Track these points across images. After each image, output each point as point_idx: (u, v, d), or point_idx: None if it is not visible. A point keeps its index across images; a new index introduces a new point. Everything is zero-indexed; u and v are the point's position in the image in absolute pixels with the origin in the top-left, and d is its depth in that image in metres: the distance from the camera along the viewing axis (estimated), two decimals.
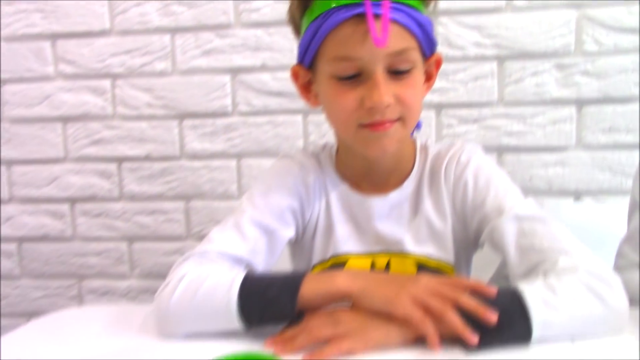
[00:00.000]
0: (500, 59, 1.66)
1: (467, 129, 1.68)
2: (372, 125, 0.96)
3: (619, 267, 1.06)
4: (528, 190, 1.63)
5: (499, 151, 1.68)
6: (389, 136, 0.98)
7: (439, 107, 1.69)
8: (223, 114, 1.79)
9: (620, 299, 0.86)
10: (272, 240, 1.05)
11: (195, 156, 1.83)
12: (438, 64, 1.05)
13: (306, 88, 1.05)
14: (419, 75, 0.99)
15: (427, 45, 0.99)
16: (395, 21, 0.92)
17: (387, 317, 0.84)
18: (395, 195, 1.08)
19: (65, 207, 1.92)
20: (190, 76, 1.80)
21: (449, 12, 1.66)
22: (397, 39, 0.93)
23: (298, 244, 1.13)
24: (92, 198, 1.90)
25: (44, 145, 1.90)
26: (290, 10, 1.03)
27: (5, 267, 1.98)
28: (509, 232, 0.97)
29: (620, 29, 1.60)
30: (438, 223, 1.07)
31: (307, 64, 1.01)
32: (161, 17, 1.79)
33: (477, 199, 1.03)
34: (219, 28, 1.77)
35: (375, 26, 0.89)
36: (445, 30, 1.66)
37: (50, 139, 1.89)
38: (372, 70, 0.93)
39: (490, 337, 0.80)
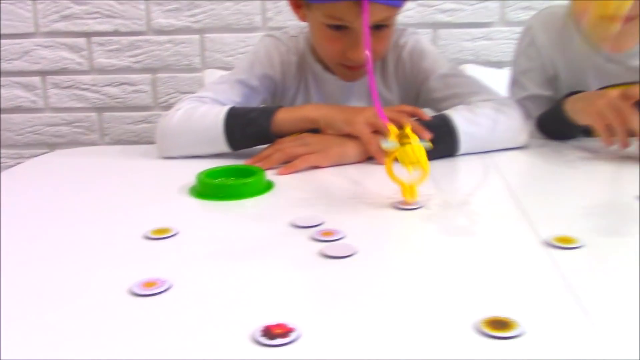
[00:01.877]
0: None
1: (406, 7, 1.89)
2: (348, 67, 1.20)
3: None
4: (458, 61, 1.88)
5: (434, 27, 1.92)
6: (360, 73, 1.21)
7: None
8: None
9: (519, 116, 1.16)
10: (255, 97, 1.27)
11: (161, 31, 1.99)
12: None
13: (297, 4, 1.21)
14: (393, 25, 1.18)
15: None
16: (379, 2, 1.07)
17: (344, 138, 1.08)
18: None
19: (36, 80, 2.07)
20: None
21: None
22: (381, 11, 1.09)
23: None
24: (62, 71, 2.05)
25: (15, 20, 2.02)
26: None
27: None
28: (438, 88, 1.24)
29: None
30: (387, 95, 1.31)
31: None
32: None
33: (413, 71, 1.28)
34: None
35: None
36: None
37: (21, 14, 2.01)
38: (357, 30, 1.10)
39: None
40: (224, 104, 1.19)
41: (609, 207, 0.82)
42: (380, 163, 1.04)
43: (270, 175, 1.00)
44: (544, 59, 1.30)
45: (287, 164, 1.04)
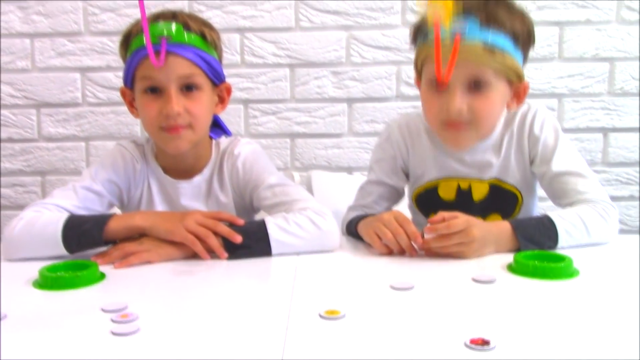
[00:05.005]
0: (292, 66, 2.18)
1: (268, 119, 2.20)
2: (167, 128, 1.32)
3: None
4: (313, 167, 2.18)
5: (292, 137, 2.21)
6: (181, 138, 1.34)
7: (246, 102, 2.20)
8: (74, 104, 2.20)
9: (331, 227, 1.30)
10: (101, 203, 1.42)
11: (50, 139, 2.22)
12: (228, 90, 1.44)
13: (131, 104, 1.40)
14: (205, 94, 1.35)
15: (214, 75, 1.36)
16: (179, 55, 1.29)
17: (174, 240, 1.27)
18: (196, 181, 1.45)
19: None
20: (46, 73, 2.19)
21: (253, 30, 2.17)
22: (183, 67, 1.30)
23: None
24: None
25: None
26: (119, 47, 1.42)
27: None
28: (267, 197, 1.42)
29: (377, 46, 2.17)
30: (222, 198, 1.48)
31: (129, 84, 1.38)
32: (22, 24, 2.17)
33: (245, 179, 1.46)
34: (70, 35, 2.18)
35: (160, 57, 1.25)
36: (251, 44, 2.17)
37: None
38: (167, 87, 1.30)
39: (240, 252, 1.25)
40: (66, 210, 1.33)
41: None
42: (205, 259, 1.24)
43: (108, 269, 1.19)
44: (396, 152, 1.52)
45: (123, 259, 1.23)
